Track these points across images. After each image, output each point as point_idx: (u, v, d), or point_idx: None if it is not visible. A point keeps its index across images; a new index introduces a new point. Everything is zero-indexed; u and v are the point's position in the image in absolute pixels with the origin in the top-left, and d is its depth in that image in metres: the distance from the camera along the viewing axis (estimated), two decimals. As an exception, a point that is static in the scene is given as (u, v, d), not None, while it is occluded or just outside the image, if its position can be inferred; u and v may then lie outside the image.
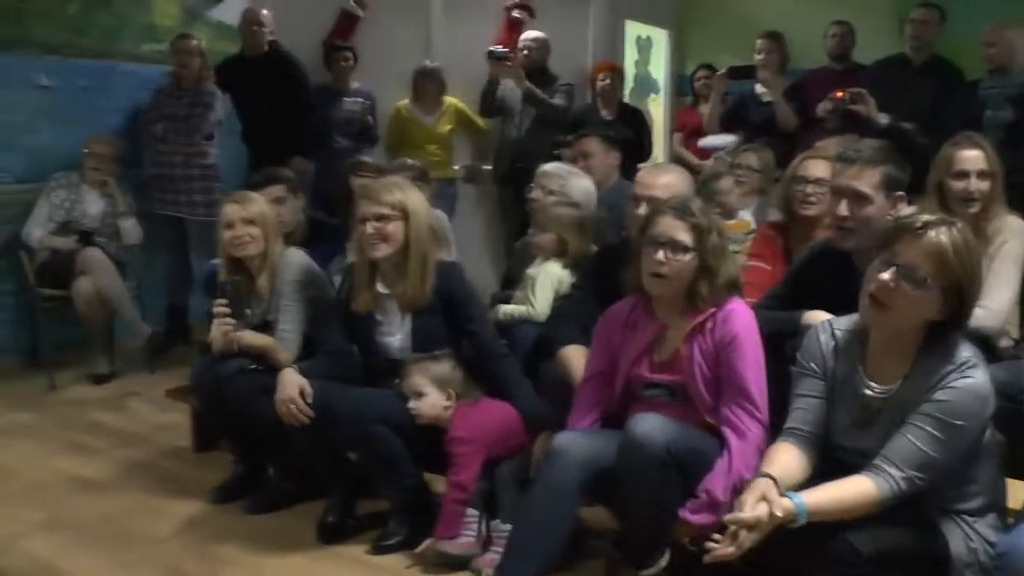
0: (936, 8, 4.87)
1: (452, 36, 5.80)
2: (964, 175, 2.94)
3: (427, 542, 2.67)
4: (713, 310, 2.32)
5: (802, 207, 3.09)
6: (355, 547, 2.83)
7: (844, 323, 2.15)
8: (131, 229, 4.82)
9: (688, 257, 2.30)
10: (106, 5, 5.12)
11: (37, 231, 4.64)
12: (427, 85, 5.56)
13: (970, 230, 2.89)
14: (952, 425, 1.90)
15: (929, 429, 1.90)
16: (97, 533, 2.96)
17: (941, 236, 1.92)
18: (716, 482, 2.16)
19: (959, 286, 1.93)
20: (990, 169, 2.95)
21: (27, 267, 4.65)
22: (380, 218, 2.78)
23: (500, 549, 2.58)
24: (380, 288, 2.89)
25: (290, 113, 5.15)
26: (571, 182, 3.63)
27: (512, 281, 3.55)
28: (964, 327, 2.00)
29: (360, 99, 5.51)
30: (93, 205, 4.76)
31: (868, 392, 2.04)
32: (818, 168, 3.09)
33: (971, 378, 1.91)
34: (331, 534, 2.87)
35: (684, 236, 2.30)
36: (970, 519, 1.99)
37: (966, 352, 1.96)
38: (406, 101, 5.62)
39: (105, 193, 4.79)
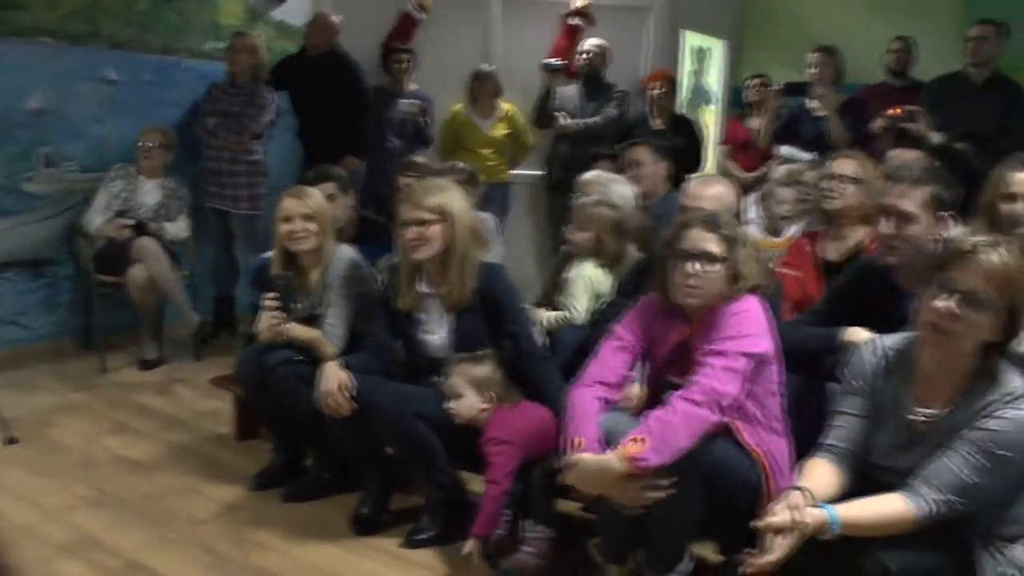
0: (995, 24, 4.73)
1: (510, 41, 5.83)
2: (1013, 197, 2.90)
3: (469, 543, 2.65)
4: (724, 303, 2.30)
5: (823, 202, 3.15)
6: (388, 540, 2.87)
7: (893, 342, 2.12)
8: (176, 229, 4.90)
9: (719, 267, 2.29)
10: (173, 3, 5.25)
11: (96, 219, 4.77)
12: (483, 88, 5.59)
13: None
14: (997, 455, 1.87)
15: (973, 457, 1.88)
16: (140, 511, 3.05)
17: (994, 256, 1.89)
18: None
19: (1013, 303, 1.90)
20: None
21: (85, 253, 4.79)
22: (421, 223, 2.81)
23: (531, 549, 2.62)
24: (422, 287, 2.93)
25: (346, 113, 5.23)
26: (611, 187, 3.66)
27: (551, 291, 3.57)
28: (1011, 347, 1.96)
29: (416, 100, 5.57)
30: (149, 196, 4.87)
31: (914, 416, 2.02)
32: (842, 166, 3.16)
33: (1021, 410, 1.88)
34: (365, 526, 2.92)
35: (715, 247, 2.30)
36: (1003, 545, 1.95)
37: (1017, 382, 1.93)
38: (463, 105, 5.67)
39: (162, 185, 4.90)
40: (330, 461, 3.18)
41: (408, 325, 2.95)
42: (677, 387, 2.26)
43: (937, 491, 1.89)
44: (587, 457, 2.17)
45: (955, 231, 3.19)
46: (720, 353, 2.22)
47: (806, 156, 4.97)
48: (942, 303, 1.90)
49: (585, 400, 2.33)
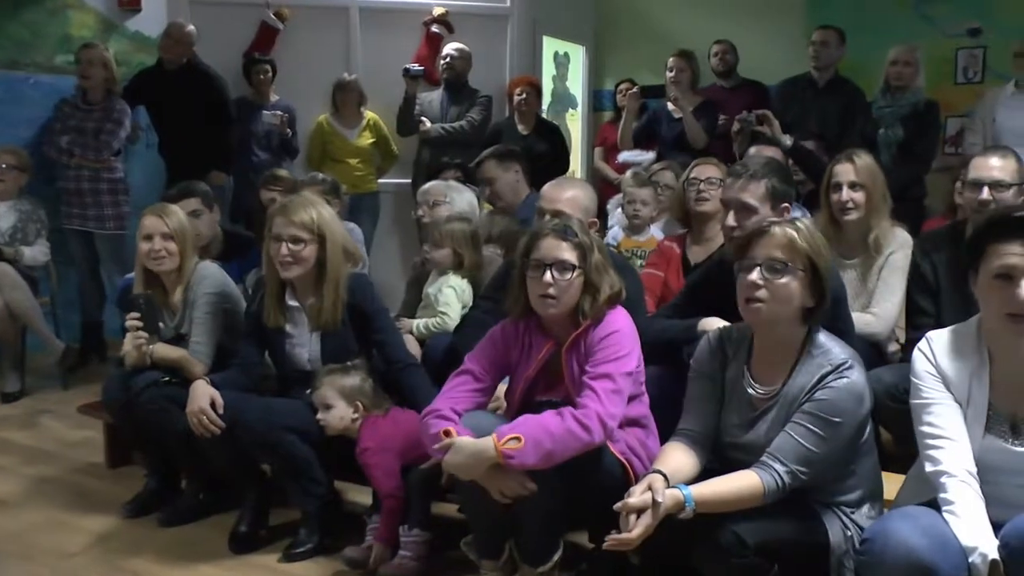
0: (835, 29, 5.05)
1: (371, 50, 5.82)
2: (838, 187, 3.17)
3: (376, 548, 2.69)
4: (591, 323, 2.36)
5: (696, 204, 3.33)
6: (266, 556, 2.86)
7: (731, 329, 2.30)
8: (34, 253, 4.71)
9: (574, 276, 2.35)
10: (19, 15, 5.05)
11: (-56, 247, 4.54)
12: (346, 98, 5.58)
13: (853, 238, 3.08)
14: (831, 422, 2.03)
15: (810, 427, 2.04)
16: (3, 550, 2.93)
17: (786, 228, 2.12)
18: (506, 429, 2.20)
19: (813, 265, 2.10)
20: (861, 180, 3.17)
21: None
22: (295, 240, 2.81)
23: (408, 554, 2.66)
24: (291, 301, 2.93)
25: (208, 127, 5.15)
26: (453, 196, 3.74)
27: (413, 305, 3.63)
28: (827, 307, 2.14)
29: (279, 112, 5.50)
30: (3, 219, 4.68)
31: (754, 393, 2.17)
32: (708, 170, 3.38)
33: (847, 378, 2.05)
34: (243, 544, 2.89)
35: (569, 256, 2.35)
36: (848, 510, 2.12)
37: (844, 354, 2.10)
38: (327, 115, 5.64)
39: (16, 207, 4.71)
40: (205, 481, 3.14)
41: (277, 339, 2.95)
42: (544, 404, 2.32)
43: (782, 464, 2.03)
44: (464, 439, 2.21)
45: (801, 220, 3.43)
46: (604, 376, 2.27)
47: (645, 158, 5.16)
48: (747, 277, 2.09)
49: (439, 414, 2.35)
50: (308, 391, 2.83)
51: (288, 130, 5.52)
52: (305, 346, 2.94)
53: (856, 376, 2.06)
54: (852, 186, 3.16)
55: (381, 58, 5.76)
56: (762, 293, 2.08)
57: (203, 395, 2.77)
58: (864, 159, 3.22)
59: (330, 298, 2.84)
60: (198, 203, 3.71)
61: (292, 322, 2.94)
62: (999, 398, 1.97)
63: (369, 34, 5.83)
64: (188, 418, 2.77)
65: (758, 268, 2.09)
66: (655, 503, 1.97)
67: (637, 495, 2.00)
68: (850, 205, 3.15)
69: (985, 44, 5.84)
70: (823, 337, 2.15)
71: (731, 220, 2.67)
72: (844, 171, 3.18)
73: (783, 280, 2.08)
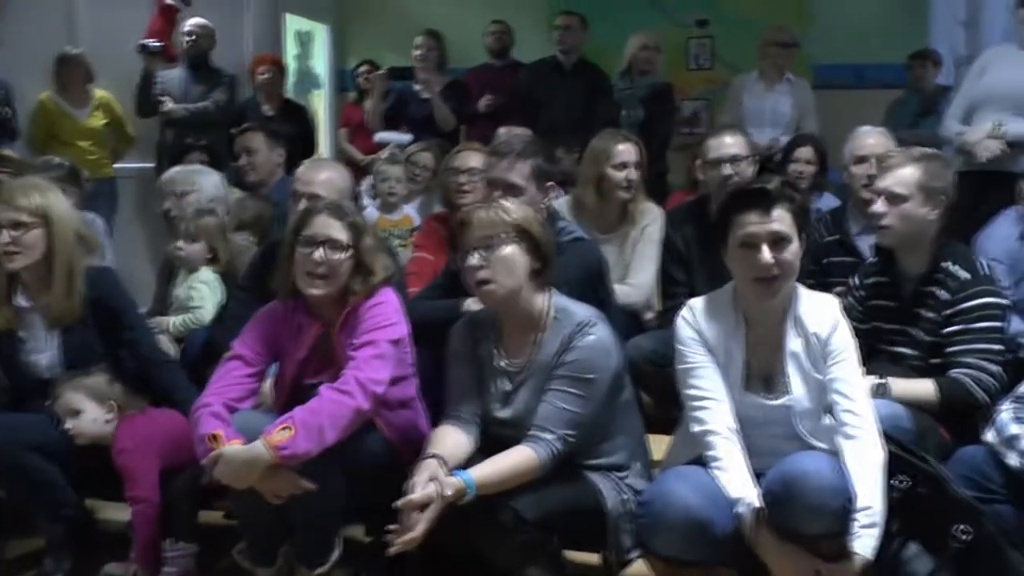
0: (577, 15, 5.28)
1: (99, 20, 5.32)
2: (624, 166, 3.30)
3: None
4: (360, 299, 2.33)
5: (457, 196, 3.22)
6: (6, 595, 2.57)
7: (482, 310, 2.34)
8: None
9: (345, 256, 2.30)
10: None
11: None
12: (71, 73, 5.10)
13: (614, 213, 3.25)
14: (586, 380, 2.13)
15: (568, 389, 2.12)
16: None
17: (487, 211, 2.18)
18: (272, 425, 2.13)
19: (524, 230, 2.17)
20: (640, 160, 3.34)
21: None
22: (17, 226, 2.55)
23: (172, 569, 2.49)
24: (21, 301, 2.65)
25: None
26: (200, 181, 3.56)
27: (162, 305, 3.42)
28: (550, 268, 2.22)
29: (-6, 88, 4.92)
30: None
31: (507, 367, 2.23)
32: (471, 159, 3.24)
33: (592, 335, 2.15)
34: (-25, 584, 2.59)
35: (341, 234, 2.30)
36: (620, 474, 2.22)
37: (585, 312, 2.20)
38: (51, 92, 5.13)
39: None
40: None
41: (8, 346, 2.66)
42: (314, 387, 2.25)
43: (550, 432, 2.10)
44: (233, 448, 2.10)
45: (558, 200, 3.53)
46: (368, 343, 2.25)
47: (403, 139, 5.15)
48: (471, 261, 2.14)
49: (211, 411, 2.23)
50: (48, 402, 2.56)
51: (6, 108, 4.91)
52: (43, 351, 2.65)
53: (601, 331, 2.17)
54: (636, 166, 3.30)
55: (109, 30, 5.30)
56: (485, 273, 2.12)
57: (-85, 415, 2.43)
58: (636, 138, 3.39)
59: (63, 286, 2.59)
60: (-101, 192, 3.24)
61: (24, 325, 2.65)
62: (754, 357, 2.14)
63: (95, 2, 5.33)
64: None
65: (474, 252, 2.14)
66: (441, 495, 1.96)
67: (420, 488, 1.97)
68: (632, 184, 3.29)
69: (712, 34, 6.37)
70: (563, 301, 2.23)
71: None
72: (628, 152, 3.30)
73: (499, 252, 2.13)
